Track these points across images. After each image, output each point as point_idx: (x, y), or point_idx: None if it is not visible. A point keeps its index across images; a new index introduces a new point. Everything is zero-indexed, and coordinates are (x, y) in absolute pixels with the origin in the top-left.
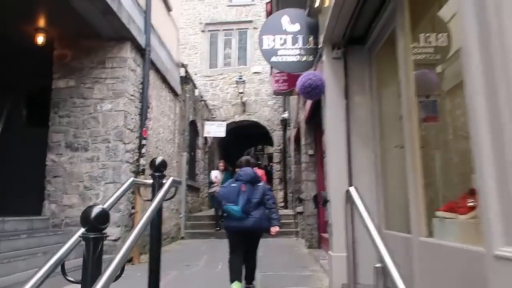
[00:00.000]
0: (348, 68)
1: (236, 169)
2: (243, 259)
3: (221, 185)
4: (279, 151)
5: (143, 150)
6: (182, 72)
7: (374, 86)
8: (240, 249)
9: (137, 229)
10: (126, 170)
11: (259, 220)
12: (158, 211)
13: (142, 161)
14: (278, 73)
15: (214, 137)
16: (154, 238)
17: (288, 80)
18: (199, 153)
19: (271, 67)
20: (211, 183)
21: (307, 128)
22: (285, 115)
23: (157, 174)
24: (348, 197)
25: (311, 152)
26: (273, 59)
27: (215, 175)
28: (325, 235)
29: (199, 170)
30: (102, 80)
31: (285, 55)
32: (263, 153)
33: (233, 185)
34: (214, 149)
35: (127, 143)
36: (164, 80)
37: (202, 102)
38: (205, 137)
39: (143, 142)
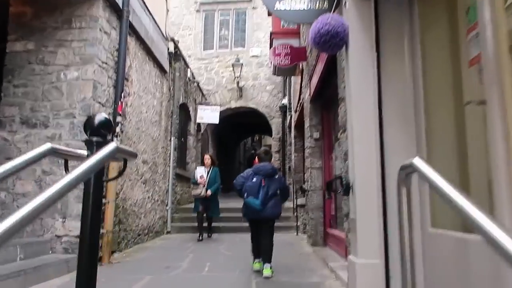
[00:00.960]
0: (380, 9)
1: (254, 161)
2: (260, 240)
3: (204, 182)
4: (277, 139)
5: (118, 129)
6: (171, 47)
7: (417, 32)
8: (257, 232)
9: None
10: None
11: (273, 209)
12: (93, 194)
13: (116, 142)
14: (280, 45)
15: (208, 124)
16: (85, 237)
17: (291, 53)
18: (191, 140)
19: (271, 45)
20: (194, 183)
21: (312, 108)
22: (285, 101)
23: (95, 139)
24: (405, 176)
25: (316, 135)
26: (277, 6)
27: (201, 173)
28: (332, 231)
29: (190, 158)
30: (67, 43)
31: (293, 0)
32: (261, 144)
33: (254, 180)
34: (208, 137)
35: None
36: (148, 52)
37: (195, 84)
38: (198, 123)
39: (118, 119)
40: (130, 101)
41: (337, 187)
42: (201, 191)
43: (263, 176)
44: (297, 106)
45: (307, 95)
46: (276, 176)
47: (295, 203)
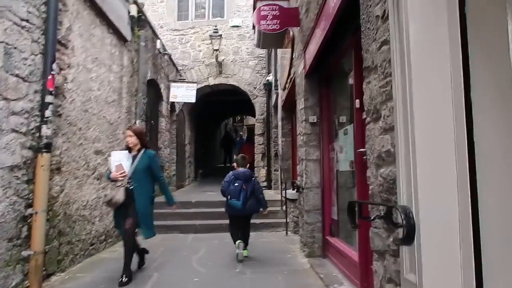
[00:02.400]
0: None
1: (234, 165)
2: (239, 230)
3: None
4: (261, 121)
5: (48, 113)
6: (133, 10)
7: None
8: (237, 225)
9: None
10: (13, 145)
11: (251, 207)
12: None
13: (45, 130)
14: (266, 5)
15: (184, 104)
16: None
17: (280, 15)
18: (163, 122)
19: (254, 8)
20: (110, 179)
21: (308, 85)
22: (270, 78)
23: None
24: None
25: (313, 119)
26: None
27: (118, 161)
28: (334, 241)
29: (163, 143)
30: None
31: None
32: (242, 124)
33: (236, 184)
34: (184, 118)
35: (14, 100)
36: (99, 13)
37: (166, 57)
38: (172, 103)
39: (49, 99)
40: (71, 75)
41: (388, 221)
42: (119, 198)
43: (243, 181)
44: (286, 83)
45: (300, 69)
46: (252, 178)
47: (283, 195)
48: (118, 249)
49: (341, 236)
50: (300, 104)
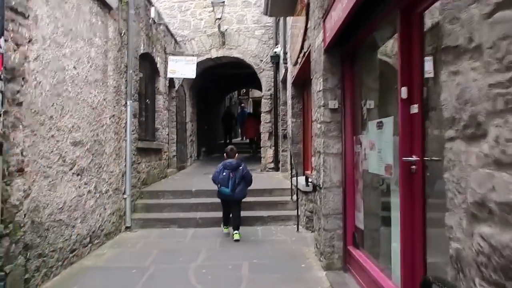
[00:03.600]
0: None
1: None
2: (230, 213)
3: None
4: (268, 97)
5: None
6: None
7: None
8: (228, 210)
9: None
10: None
11: (241, 192)
12: None
13: None
14: None
15: (184, 79)
16: None
17: None
18: (161, 100)
19: None
20: None
21: (327, 62)
22: (278, 49)
23: None
24: None
25: (334, 104)
26: None
27: None
28: (358, 254)
29: (161, 123)
30: None
31: None
32: (248, 97)
33: (224, 173)
34: (185, 94)
35: None
36: None
37: (162, 27)
38: (170, 78)
39: None
40: (34, 53)
41: None
42: None
43: (230, 170)
44: (297, 58)
45: (318, 42)
46: (240, 167)
47: (293, 183)
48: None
49: (367, 249)
50: (317, 85)
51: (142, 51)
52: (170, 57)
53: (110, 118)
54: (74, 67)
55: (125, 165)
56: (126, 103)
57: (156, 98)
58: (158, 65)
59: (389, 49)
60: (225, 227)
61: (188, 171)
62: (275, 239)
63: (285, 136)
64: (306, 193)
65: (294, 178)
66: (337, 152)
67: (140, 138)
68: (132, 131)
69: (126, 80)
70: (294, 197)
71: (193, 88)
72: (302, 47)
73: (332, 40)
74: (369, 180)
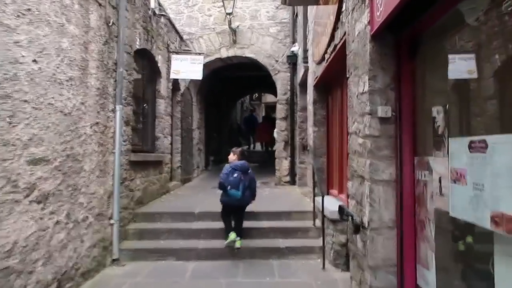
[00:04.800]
0: None
1: (229, 156)
2: (233, 220)
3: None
4: (284, 101)
5: None
6: None
7: None
8: (230, 215)
9: None
10: None
11: (247, 198)
12: None
13: None
14: None
15: (191, 81)
16: None
17: None
18: (162, 105)
19: None
20: None
21: (376, 53)
22: (295, 48)
23: None
24: None
25: (385, 111)
26: None
27: None
28: None
29: (162, 131)
30: None
31: None
32: (260, 102)
33: (235, 175)
34: (191, 98)
35: None
36: None
37: (163, 20)
38: (174, 80)
39: None
40: None
41: None
42: None
43: (241, 172)
44: (324, 53)
45: (360, 27)
46: (249, 171)
47: (315, 206)
48: None
49: None
50: (359, 86)
51: (138, 47)
52: (173, 56)
53: (91, 127)
54: (34, 60)
55: (112, 184)
56: (114, 108)
57: (156, 103)
58: (159, 65)
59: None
60: (231, 233)
61: (194, 184)
62: (295, 282)
63: (304, 147)
64: (334, 221)
65: (318, 198)
66: (389, 179)
67: (135, 150)
68: (124, 141)
69: (115, 80)
70: (317, 222)
71: (200, 91)
72: (331, 39)
73: (385, 22)
74: (447, 226)
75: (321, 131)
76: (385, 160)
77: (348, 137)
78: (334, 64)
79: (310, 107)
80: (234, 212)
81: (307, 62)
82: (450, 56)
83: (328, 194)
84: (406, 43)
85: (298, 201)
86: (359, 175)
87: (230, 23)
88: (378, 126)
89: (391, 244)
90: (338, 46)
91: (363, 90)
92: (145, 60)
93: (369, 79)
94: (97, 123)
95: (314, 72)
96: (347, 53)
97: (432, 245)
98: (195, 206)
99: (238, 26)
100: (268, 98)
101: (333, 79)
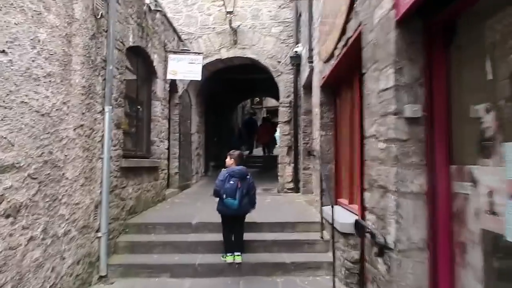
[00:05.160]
0: None
1: (226, 160)
2: (232, 233)
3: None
4: (287, 104)
5: None
6: None
7: None
8: (230, 227)
9: None
10: None
11: (247, 206)
12: None
13: None
14: None
15: (190, 83)
16: None
17: None
18: (158, 107)
19: None
20: None
21: (402, 41)
22: (298, 48)
23: None
24: None
25: (414, 111)
26: None
27: None
28: None
29: (158, 135)
30: None
31: None
32: (262, 106)
33: (231, 182)
34: (190, 101)
35: None
36: None
37: (159, 16)
38: (172, 81)
39: None
40: None
41: None
42: None
43: (238, 179)
44: (333, 50)
45: (381, 13)
46: (248, 176)
47: (323, 216)
48: None
49: None
50: (381, 81)
51: (131, 44)
52: (171, 56)
53: (75, 130)
54: (2, 51)
55: (100, 192)
56: (103, 109)
57: (152, 105)
58: (155, 64)
59: None
60: (228, 255)
61: (192, 190)
62: None
63: (309, 153)
64: (345, 235)
65: (326, 208)
66: (419, 192)
67: (127, 155)
68: (114, 146)
69: (104, 79)
70: (325, 234)
71: (200, 94)
72: (342, 33)
73: (415, 4)
74: (503, 253)
75: (328, 135)
76: (413, 169)
77: (364, 141)
78: (345, 60)
79: (316, 110)
80: (232, 222)
81: (312, 62)
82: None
83: (336, 203)
84: (439, 28)
85: (303, 210)
86: (381, 185)
87: (230, 22)
88: (406, 128)
89: (422, 269)
90: (351, 40)
91: (386, 86)
92: (139, 59)
93: (394, 73)
94: (82, 125)
95: (321, 71)
96: (362, 45)
97: (479, 276)
98: (192, 215)
99: (239, 26)
100: (269, 102)
101: (343, 78)
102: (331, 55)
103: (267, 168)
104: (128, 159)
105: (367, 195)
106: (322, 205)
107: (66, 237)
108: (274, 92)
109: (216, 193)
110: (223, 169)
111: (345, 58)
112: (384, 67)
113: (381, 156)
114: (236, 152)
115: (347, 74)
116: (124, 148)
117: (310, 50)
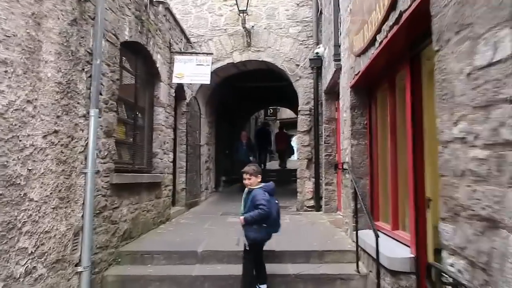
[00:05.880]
0: None
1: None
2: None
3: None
4: (307, 112)
5: None
6: None
7: None
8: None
9: None
10: None
11: None
12: None
13: None
14: None
15: (199, 89)
16: None
17: None
18: (161, 115)
19: None
20: None
21: None
22: (320, 49)
23: None
24: None
25: None
26: None
27: None
28: None
29: (161, 146)
30: None
31: None
32: (276, 118)
33: (276, 202)
34: (199, 109)
35: None
36: None
37: (161, 9)
38: (179, 86)
39: None
40: None
41: None
42: None
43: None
44: (373, 36)
45: None
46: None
47: (358, 244)
48: None
49: None
50: (477, 54)
51: (127, 38)
52: (177, 57)
53: (45, 137)
54: None
55: (82, 215)
56: (88, 113)
57: (154, 111)
58: (158, 65)
59: None
60: None
61: (201, 208)
62: None
63: (336, 166)
64: (395, 273)
65: (363, 233)
66: None
67: (122, 169)
68: (103, 158)
69: (89, 76)
70: (361, 266)
71: (210, 102)
72: (390, 9)
73: None
74: None
75: (361, 145)
76: None
77: (440, 147)
78: (395, 43)
79: (345, 115)
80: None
81: (339, 60)
82: None
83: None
84: None
85: (330, 234)
86: (479, 215)
87: (244, 22)
88: None
89: None
90: (407, 13)
91: (493, 59)
92: (139, 59)
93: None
94: (56, 131)
95: (353, 68)
96: (432, 12)
97: None
98: (199, 241)
99: (253, 27)
100: (284, 114)
101: (385, 70)
102: (371, 43)
103: (283, 182)
104: (122, 174)
105: (445, 227)
106: (357, 229)
107: (30, 278)
108: (290, 101)
109: (264, 217)
110: (258, 188)
111: (395, 39)
112: (486, 31)
113: (479, 169)
114: (252, 166)
115: (393, 63)
116: (117, 161)
117: (337, 46)
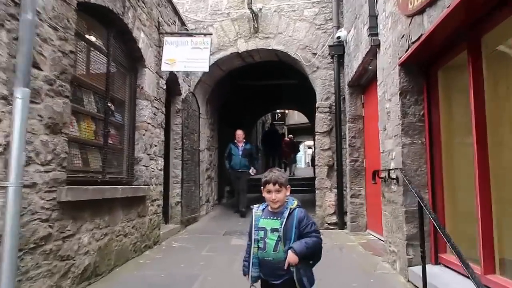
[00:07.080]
0: None
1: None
2: None
3: None
4: (327, 109)
5: None
6: None
7: None
8: None
9: None
10: None
11: None
12: None
13: None
14: None
15: (198, 84)
16: None
17: None
18: (146, 110)
19: None
20: None
21: None
22: (341, 33)
23: None
24: None
25: None
26: None
27: None
28: None
29: (146, 149)
30: None
31: None
32: (283, 123)
33: None
34: (198, 108)
35: None
36: None
37: None
38: (172, 77)
39: None
40: None
41: None
42: None
43: None
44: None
45: None
46: None
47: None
48: None
49: None
50: None
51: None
52: (167, 39)
53: None
54: None
55: None
56: (11, 94)
57: (137, 105)
58: (141, 46)
59: None
60: None
61: (200, 226)
62: None
63: (375, 175)
64: None
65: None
66: None
67: (81, 180)
68: (44, 163)
69: (15, 38)
70: None
71: (211, 101)
72: None
73: None
74: None
75: (417, 145)
76: None
77: None
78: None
79: (389, 105)
80: None
81: (376, 34)
82: None
83: (437, 262)
84: None
85: (368, 267)
86: None
87: (250, 3)
88: None
89: None
90: None
91: None
92: (112, 32)
93: None
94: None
95: (404, 37)
96: None
97: None
98: (191, 280)
99: (260, 9)
100: (291, 119)
101: (461, 33)
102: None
103: (293, 192)
104: (81, 188)
105: None
106: (424, 265)
107: None
108: (301, 102)
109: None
110: (294, 206)
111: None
112: None
113: None
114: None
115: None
116: (75, 169)
117: (373, 17)
